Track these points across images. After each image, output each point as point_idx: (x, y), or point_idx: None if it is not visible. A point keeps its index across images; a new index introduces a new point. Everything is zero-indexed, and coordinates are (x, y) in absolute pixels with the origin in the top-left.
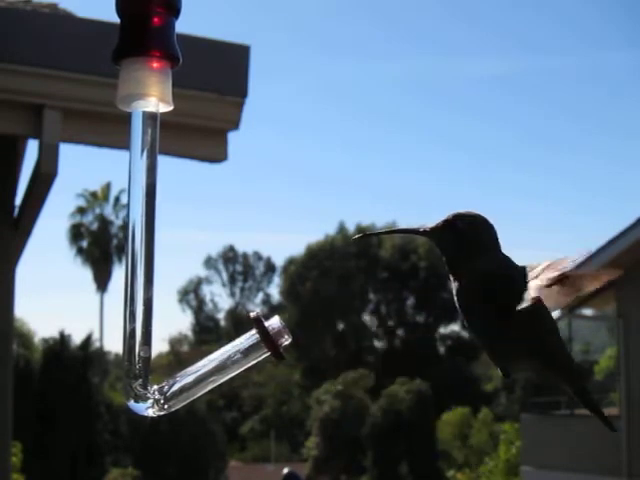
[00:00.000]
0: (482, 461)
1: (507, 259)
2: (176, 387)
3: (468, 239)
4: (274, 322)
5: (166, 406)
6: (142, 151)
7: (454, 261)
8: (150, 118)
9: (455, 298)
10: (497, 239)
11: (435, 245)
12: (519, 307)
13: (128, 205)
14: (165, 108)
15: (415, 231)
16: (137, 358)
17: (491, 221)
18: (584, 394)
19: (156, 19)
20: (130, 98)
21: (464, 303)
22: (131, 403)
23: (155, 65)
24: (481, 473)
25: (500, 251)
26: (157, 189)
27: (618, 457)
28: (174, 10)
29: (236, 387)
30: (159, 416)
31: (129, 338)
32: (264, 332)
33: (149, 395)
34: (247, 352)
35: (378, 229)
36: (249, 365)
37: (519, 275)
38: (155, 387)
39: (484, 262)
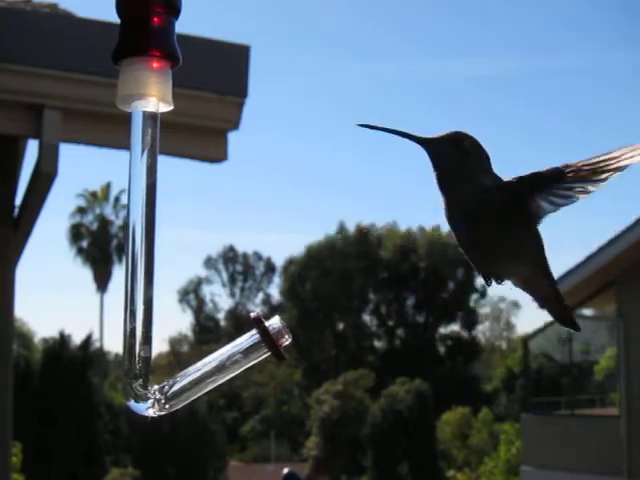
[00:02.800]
0: (482, 461)
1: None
2: (177, 387)
3: (471, 160)
4: (274, 322)
5: (167, 406)
6: (142, 151)
7: (451, 178)
8: (150, 118)
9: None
10: (490, 164)
11: (432, 157)
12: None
13: (128, 205)
14: (165, 108)
15: (413, 137)
16: (137, 358)
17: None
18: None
19: (156, 19)
20: (130, 98)
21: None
22: (131, 403)
23: (155, 65)
24: (481, 473)
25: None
26: (157, 189)
27: (618, 457)
28: (174, 10)
29: (236, 387)
30: (159, 416)
31: (129, 338)
32: (264, 332)
33: (149, 395)
34: (247, 352)
35: (377, 229)
36: (249, 365)
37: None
38: (155, 387)
39: (486, 181)
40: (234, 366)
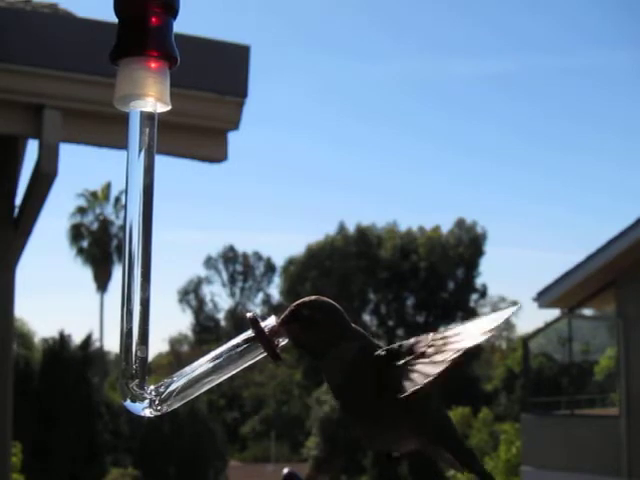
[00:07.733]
0: (482, 461)
1: (365, 339)
2: (172, 387)
3: (318, 325)
4: (270, 322)
5: (162, 406)
6: (140, 151)
7: (315, 348)
8: (148, 118)
9: (328, 381)
10: (345, 319)
11: (290, 340)
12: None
13: (125, 205)
14: (163, 108)
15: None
16: (134, 358)
17: (333, 302)
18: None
19: (154, 19)
20: (128, 98)
21: (341, 387)
22: (128, 403)
23: (153, 65)
24: None
25: (354, 331)
26: (156, 189)
27: (618, 457)
28: (172, 10)
29: (237, 387)
30: (156, 416)
31: (126, 338)
32: (260, 333)
33: (146, 395)
34: (243, 353)
35: (378, 230)
36: (245, 366)
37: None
38: (152, 387)
39: (346, 345)
40: (230, 366)
